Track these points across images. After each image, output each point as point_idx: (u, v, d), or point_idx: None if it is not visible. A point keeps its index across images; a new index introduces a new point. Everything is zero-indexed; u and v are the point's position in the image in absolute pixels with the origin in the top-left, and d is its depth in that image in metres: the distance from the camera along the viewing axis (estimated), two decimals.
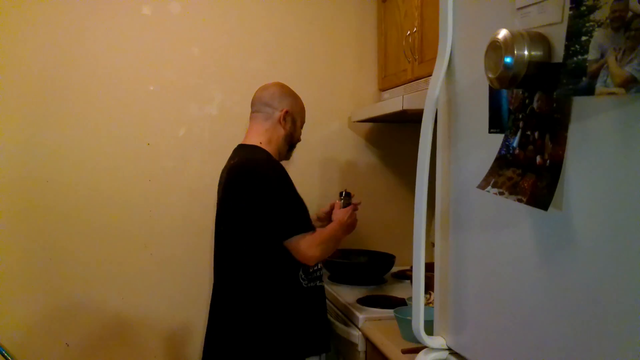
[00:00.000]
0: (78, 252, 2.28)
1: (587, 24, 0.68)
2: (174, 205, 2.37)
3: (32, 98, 2.22)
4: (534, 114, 0.80)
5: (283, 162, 1.84)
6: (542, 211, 0.77)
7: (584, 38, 0.68)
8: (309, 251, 1.68)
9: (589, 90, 0.66)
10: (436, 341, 1.09)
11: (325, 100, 2.51)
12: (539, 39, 0.78)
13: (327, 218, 1.97)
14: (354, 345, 1.80)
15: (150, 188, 2.34)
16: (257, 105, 1.88)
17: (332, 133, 2.54)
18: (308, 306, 1.78)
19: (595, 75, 0.66)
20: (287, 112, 1.85)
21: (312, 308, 1.80)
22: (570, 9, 0.71)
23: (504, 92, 0.88)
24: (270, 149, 1.82)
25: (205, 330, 1.84)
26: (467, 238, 1.02)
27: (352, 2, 2.54)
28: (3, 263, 2.21)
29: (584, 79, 0.67)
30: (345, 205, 1.95)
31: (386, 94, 2.43)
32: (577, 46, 0.69)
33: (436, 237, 1.12)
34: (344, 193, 2.02)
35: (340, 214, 1.88)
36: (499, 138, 0.88)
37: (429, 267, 1.09)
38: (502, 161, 0.86)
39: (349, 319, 1.90)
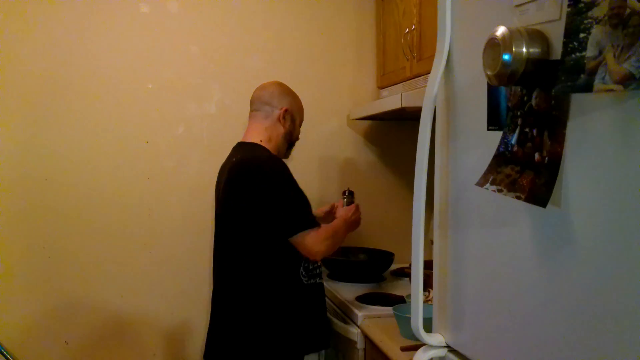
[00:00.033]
0: (77, 251, 2.28)
1: (585, 21, 0.68)
2: (173, 204, 2.37)
3: (30, 97, 2.22)
4: (532, 111, 0.80)
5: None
6: (540, 208, 0.77)
7: (582, 35, 0.68)
8: (314, 247, 1.69)
9: (587, 87, 0.67)
10: (435, 339, 1.09)
11: (324, 98, 2.51)
12: (537, 36, 0.78)
13: (326, 218, 1.98)
14: (353, 342, 1.80)
15: (149, 187, 2.34)
16: (257, 104, 1.89)
17: (331, 131, 2.54)
18: (308, 303, 1.78)
19: (593, 72, 0.66)
20: (286, 110, 1.86)
21: (312, 305, 1.80)
22: (568, 6, 0.71)
23: (503, 90, 0.88)
24: (270, 147, 1.83)
25: (204, 329, 1.84)
26: (466, 235, 1.02)
27: (351, 0, 2.53)
28: (2, 262, 2.21)
29: (582, 76, 0.67)
30: (348, 204, 1.98)
31: (385, 92, 2.43)
32: (575, 43, 0.69)
33: (435, 234, 1.12)
34: (347, 192, 2.03)
35: (344, 211, 1.92)
36: (497, 135, 0.88)
37: (428, 265, 1.09)
38: (501, 158, 0.86)
39: (348, 317, 1.90)
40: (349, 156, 2.57)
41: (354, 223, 1.90)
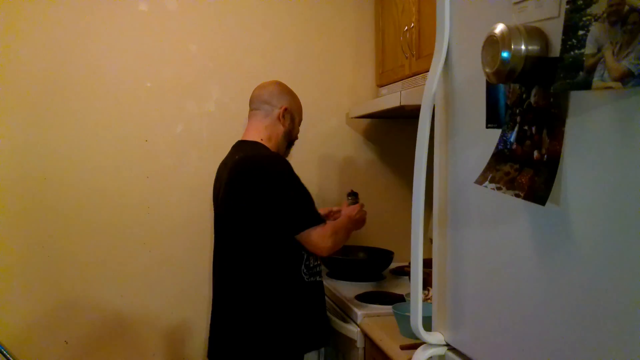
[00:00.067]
0: (76, 250, 2.27)
1: (584, 18, 0.67)
2: (173, 203, 2.37)
3: (28, 96, 2.21)
4: (531, 108, 0.80)
5: None
6: (539, 206, 0.77)
7: (580, 32, 0.68)
8: (321, 243, 1.71)
9: (586, 85, 0.66)
10: (434, 337, 1.09)
11: (323, 96, 2.51)
12: (536, 34, 0.78)
13: (329, 218, 1.99)
14: (352, 341, 1.80)
15: (148, 185, 2.34)
16: (256, 103, 1.90)
17: (330, 129, 2.54)
18: (309, 301, 1.79)
19: (592, 70, 0.65)
20: (286, 109, 1.87)
21: (313, 302, 1.81)
22: (567, 3, 0.70)
23: (501, 87, 0.88)
24: (270, 145, 1.84)
25: (204, 328, 1.85)
26: (465, 234, 1.02)
27: None
28: (2, 261, 2.21)
29: (580, 73, 0.67)
30: (352, 204, 2.01)
31: (384, 90, 2.43)
32: (574, 40, 0.69)
33: (434, 233, 1.12)
34: (351, 193, 2.06)
35: (349, 209, 1.95)
36: (496, 133, 0.88)
37: (427, 263, 1.09)
38: (500, 156, 0.86)
39: (348, 316, 1.90)
40: (348, 154, 2.57)
41: (358, 221, 1.93)
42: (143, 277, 2.34)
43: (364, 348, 1.77)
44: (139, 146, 2.33)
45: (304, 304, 1.77)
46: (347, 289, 2.09)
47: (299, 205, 1.72)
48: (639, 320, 0.64)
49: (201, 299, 2.37)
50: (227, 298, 1.79)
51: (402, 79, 2.21)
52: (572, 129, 0.74)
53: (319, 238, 1.71)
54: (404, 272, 2.32)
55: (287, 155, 1.95)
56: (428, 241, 1.22)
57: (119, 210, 2.32)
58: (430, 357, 1.09)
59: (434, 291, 1.14)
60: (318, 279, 1.82)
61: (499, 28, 0.78)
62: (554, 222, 0.77)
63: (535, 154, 0.79)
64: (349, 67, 2.55)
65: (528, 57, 0.76)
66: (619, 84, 0.62)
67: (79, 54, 2.25)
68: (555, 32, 0.75)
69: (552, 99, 0.76)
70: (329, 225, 1.75)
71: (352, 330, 1.80)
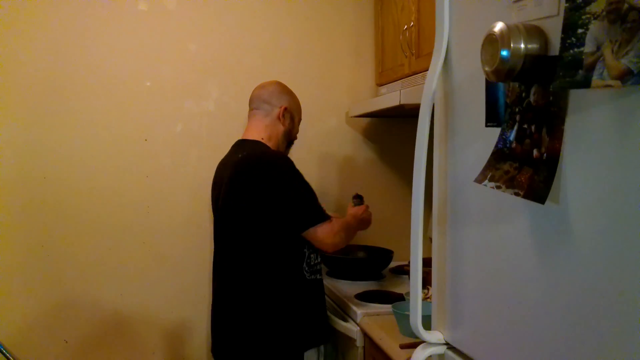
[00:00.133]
0: (76, 249, 2.27)
1: (583, 17, 0.67)
2: (172, 202, 2.37)
3: (28, 95, 2.21)
4: (530, 107, 0.80)
5: None
6: (539, 205, 0.77)
7: (580, 30, 0.68)
8: (328, 239, 1.73)
9: (585, 83, 0.66)
10: (434, 336, 1.09)
11: (322, 95, 2.51)
12: (535, 32, 0.78)
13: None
14: (352, 340, 1.80)
15: (148, 184, 2.34)
16: (256, 102, 1.91)
17: (329, 128, 2.54)
18: (310, 298, 1.80)
19: (591, 68, 0.65)
20: (285, 108, 1.88)
21: (314, 300, 1.82)
22: (566, 1, 0.70)
23: (501, 86, 0.88)
24: (270, 145, 1.85)
25: (204, 326, 1.85)
26: (465, 232, 1.02)
27: None
28: (1, 260, 2.20)
29: (580, 71, 0.67)
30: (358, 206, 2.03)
31: (383, 89, 2.43)
32: (573, 39, 0.69)
33: (433, 231, 1.12)
34: (356, 196, 2.07)
35: (355, 209, 1.98)
36: (495, 132, 0.87)
37: (427, 262, 1.09)
38: (499, 155, 0.86)
39: (347, 315, 1.90)
40: (347, 154, 2.57)
41: (364, 221, 1.95)
42: (143, 276, 2.34)
43: (364, 347, 1.77)
44: (139, 145, 2.33)
45: (305, 301, 1.78)
46: (346, 288, 2.09)
47: (305, 202, 1.73)
48: (638, 320, 0.64)
49: (201, 297, 2.37)
50: (229, 294, 1.79)
51: (401, 78, 2.21)
52: (572, 127, 0.74)
53: (326, 234, 1.72)
54: (403, 271, 2.33)
55: (287, 154, 1.96)
56: (428, 240, 1.22)
57: (119, 210, 2.31)
58: (430, 356, 1.09)
59: (433, 290, 1.14)
60: (318, 276, 1.84)
61: (499, 26, 0.78)
62: (554, 221, 0.77)
63: (535, 152, 0.79)
64: (348, 66, 2.54)
65: (527, 56, 0.76)
66: (618, 82, 0.62)
67: (78, 53, 2.25)
68: (554, 31, 0.75)
69: (551, 98, 0.76)
70: (335, 222, 1.77)
71: (351, 329, 1.80)
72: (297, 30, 2.48)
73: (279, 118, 1.87)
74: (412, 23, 2.07)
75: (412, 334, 1.11)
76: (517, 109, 0.83)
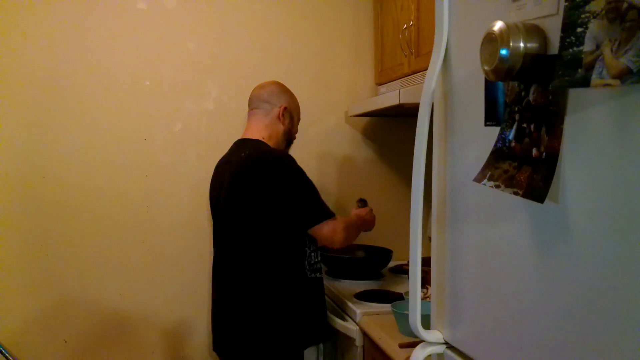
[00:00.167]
0: (75, 248, 2.27)
1: (583, 16, 0.67)
2: (172, 201, 2.37)
3: (27, 95, 2.21)
4: (529, 106, 0.80)
5: None
6: (538, 204, 0.77)
7: (579, 29, 0.68)
8: (334, 236, 1.75)
9: (585, 82, 0.66)
10: (433, 335, 1.09)
11: (321, 95, 2.51)
12: (534, 31, 0.77)
13: None
14: (351, 339, 1.80)
15: (147, 184, 2.34)
16: (256, 102, 1.91)
17: (329, 128, 2.54)
18: (311, 296, 1.81)
19: (590, 67, 0.65)
20: (285, 108, 1.89)
21: (314, 298, 1.82)
22: (566, 0, 0.70)
23: (500, 85, 0.88)
24: (271, 144, 1.87)
25: (203, 326, 1.85)
26: (464, 232, 1.02)
27: None
28: (0, 260, 2.20)
29: (579, 70, 0.67)
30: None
31: (383, 88, 2.43)
32: (572, 38, 0.69)
33: (433, 231, 1.12)
34: (360, 200, 2.11)
35: (359, 210, 2.02)
36: (495, 131, 0.87)
37: (426, 262, 1.09)
38: (498, 154, 0.86)
39: (347, 314, 1.90)
40: (347, 153, 2.57)
41: (368, 221, 1.98)
42: (142, 275, 2.34)
43: (363, 346, 1.77)
44: (138, 145, 2.32)
45: (306, 299, 1.79)
46: (346, 288, 2.09)
47: (310, 200, 1.74)
48: (637, 318, 0.64)
49: (200, 296, 2.37)
50: (231, 291, 1.79)
51: (401, 77, 2.20)
52: (571, 126, 0.73)
53: (332, 231, 1.74)
54: (402, 270, 2.33)
55: None
56: (427, 239, 1.22)
57: (118, 209, 2.31)
58: (429, 355, 1.09)
59: (432, 289, 1.14)
60: (318, 275, 1.85)
61: (498, 25, 0.78)
62: (553, 220, 0.77)
63: (534, 151, 0.78)
64: (348, 66, 2.54)
65: (527, 55, 0.76)
66: (617, 81, 0.61)
67: (77, 52, 2.25)
68: (554, 30, 0.75)
69: (550, 97, 0.76)
70: (340, 219, 1.79)
71: (351, 329, 1.80)
72: (296, 30, 2.48)
73: (278, 117, 1.88)
74: (411, 22, 2.07)
75: (412, 334, 1.11)
76: (516, 108, 0.83)
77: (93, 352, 2.31)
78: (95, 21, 2.26)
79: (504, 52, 0.76)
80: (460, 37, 1.03)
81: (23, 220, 2.23)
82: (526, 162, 0.80)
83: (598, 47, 0.65)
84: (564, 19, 0.70)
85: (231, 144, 1.93)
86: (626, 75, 0.60)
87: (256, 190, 1.70)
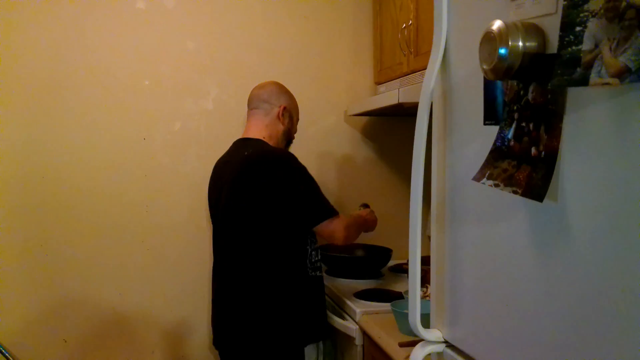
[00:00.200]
0: (74, 247, 2.27)
1: (581, 15, 0.67)
2: (171, 200, 2.37)
3: (26, 94, 2.21)
4: (528, 105, 0.80)
5: None
6: (537, 203, 0.77)
7: (578, 28, 0.68)
8: (339, 232, 1.77)
9: (583, 81, 0.66)
10: (433, 334, 1.09)
11: (321, 94, 2.51)
12: (533, 30, 0.77)
13: None
14: (351, 338, 1.80)
15: (146, 183, 2.34)
16: (255, 102, 1.92)
17: (328, 127, 2.54)
18: (312, 294, 1.82)
19: (589, 66, 0.65)
20: (285, 108, 1.90)
21: (315, 296, 1.83)
22: None
23: (499, 84, 0.88)
24: (271, 143, 1.88)
25: (203, 325, 1.85)
26: (463, 231, 1.02)
27: None
28: (0, 260, 2.20)
29: (578, 69, 0.67)
30: None
31: (382, 88, 2.43)
32: (571, 37, 0.69)
33: (432, 230, 1.12)
34: (363, 205, 2.14)
35: (360, 211, 2.06)
36: (494, 130, 0.87)
37: (426, 261, 1.09)
38: (497, 153, 0.86)
39: (347, 313, 1.90)
40: (346, 152, 2.57)
41: (369, 221, 2.00)
42: (141, 275, 2.34)
43: (363, 345, 1.77)
44: (137, 144, 2.32)
45: (307, 297, 1.80)
46: (345, 287, 2.09)
47: (315, 198, 1.76)
48: (637, 317, 0.64)
49: (200, 296, 2.37)
50: (232, 289, 1.79)
51: (400, 77, 2.21)
52: (570, 125, 0.74)
53: (337, 228, 1.76)
54: (402, 269, 2.33)
55: None
56: (426, 238, 1.22)
57: (118, 209, 2.31)
58: (429, 354, 1.09)
59: (432, 288, 1.14)
60: (319, 273, 1.86)
61: (497, 24, 0.78)
62: (552, 219, 0.77)
63: (533, 150, 0.79)
64: (347, 65, 2.54)
65: (525, 54, 0.76)
66: (616, 80, 0.62)
67: (76, 52, 2.24)
68: (552, 29, 0.75)
69: (549, 96, 0.76)
70: (343, 217, 1.81)
71: (350, 328, 1.80)
72: (295, 29, 2.48)
73: (278, 117, 1.89)
74: (410, 21, 2.07)
75: (411, 332, 1.11)
76: (515, 107, 0.83)
77: (93, 352, 2.31)
78: (95, 21, 2.25)
79: (502, 51, 0.76)
80: (459, 36, 1.03)
81: (23, 220, 2.23)
82: (525, 161, 0.80)
83: (597, 46, 0.65)
84: (563, 18, 0.70)
85: (230, 143, 1.93)
86: (625, 74, 0.60)
87: (260, 189, 1.70)
